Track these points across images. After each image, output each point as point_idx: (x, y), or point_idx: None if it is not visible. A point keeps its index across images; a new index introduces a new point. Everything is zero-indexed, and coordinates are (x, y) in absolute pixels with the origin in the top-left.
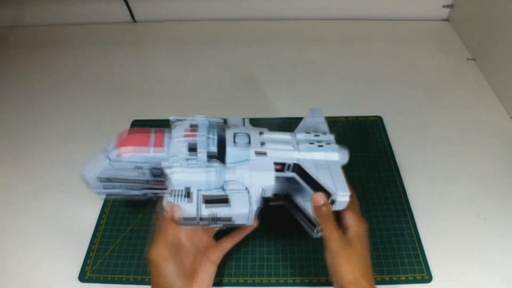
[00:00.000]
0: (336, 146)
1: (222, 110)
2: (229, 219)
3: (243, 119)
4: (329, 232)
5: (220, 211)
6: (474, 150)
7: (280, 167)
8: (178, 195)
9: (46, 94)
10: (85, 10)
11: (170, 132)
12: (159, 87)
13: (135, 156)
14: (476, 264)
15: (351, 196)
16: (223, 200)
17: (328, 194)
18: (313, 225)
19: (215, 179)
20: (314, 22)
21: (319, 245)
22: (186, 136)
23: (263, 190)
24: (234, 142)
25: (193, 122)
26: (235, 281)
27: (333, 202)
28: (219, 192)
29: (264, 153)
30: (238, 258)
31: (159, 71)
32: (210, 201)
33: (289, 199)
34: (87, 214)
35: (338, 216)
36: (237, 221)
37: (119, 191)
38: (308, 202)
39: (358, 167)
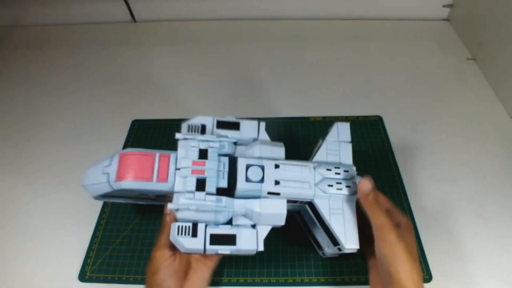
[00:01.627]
0: (355, 187)
1: (222, 110)
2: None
3: (258, 124)
4: (382, 221)
5: (225, 251)
6: (474, 150)
7: (294, 201)
8: (184, 232)
9: (46, 94)
10: (85, 10)
11: (175, 154)
12: (159, 87)
13: (136, 188)
14: (476, 264)
15: (388, 202)
16: (229, 239)
17: (336, 242)
18: (320, 247)
19: (223, 219)
20: (314, 21)
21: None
22: (194, 172)
23: (272, 227)
24: (246, 177)
25: (202, 146)
26: (235, 281)
27: (339, 249)
28: (226, 230)
29: (278, 194)
30: (239, 258)
31: (159, 71)
32: (216, 240)
33: (301, 217)
34: (87, 214)
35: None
36: (242, 253)
37: (121, 201)
38: (318, 229)
39: (358, 167)
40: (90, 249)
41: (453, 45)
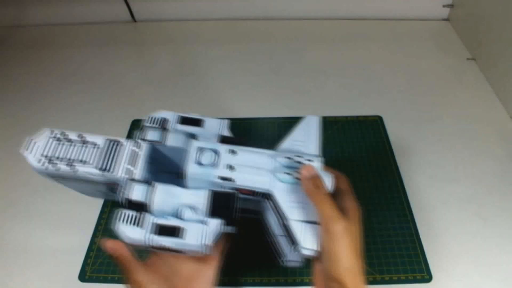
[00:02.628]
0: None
1: (222, 110)
2: (180, 250)
3: (220, 121)
4: (328, 211)
5: (169, 243)
6: (474, 150)
7: (250, 192)
8: (128, 221)
9: (46, 94)
10: (85, 10)
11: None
12: (159, 87)
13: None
14: (476, 264)
15: (344, 183)
16: (176, 232)
17: (293, 241)
18: (278, 253)
19: (171, 210)
20: (314, 21)
21: None
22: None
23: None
24: (198, 161)
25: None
26: (235, 281)
27: (295, 249)
28: (174, 222)
29: (230, 179)
30: (239, 258)
31: (159, 71)
32: (161, 231)
33: (262, 220)
34: (87, 214)
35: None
36: (189, 252)
37: (71, 185)
38: (279, 229)
39: (358, 167)
40: (90, 249)
41: (453, 45)
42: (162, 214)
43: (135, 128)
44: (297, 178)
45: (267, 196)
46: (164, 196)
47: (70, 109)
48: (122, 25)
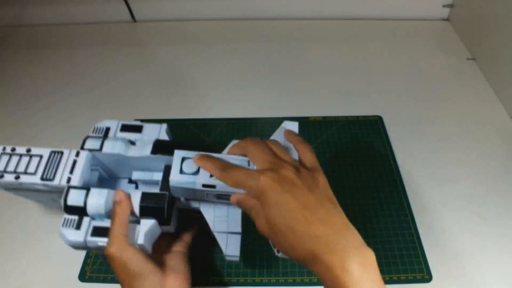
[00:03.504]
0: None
1: (222, 110)
2: None
3: (160, 126)
4: (240, 177)
5: (104, 243)
6: (474, 150)
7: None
8: (70, 225)
9: (46, 94)
10: (85, 10)
11: None
12: (159, 87)
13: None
14: (476, 264)
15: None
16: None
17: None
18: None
19: (105, 210)
20: (314, 21)
21: None
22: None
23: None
24: (181, 169)
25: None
26: (235, 281)
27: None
28: (109, 223)
29: (213, 186)
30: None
31: (159, 71)
32: (98, 232)
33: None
34: None
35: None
36: None
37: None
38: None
39: (358, 167)
40: None
41: (453, 45)
42: (100, 217)
43: None
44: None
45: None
46: (98, 200)
47: (70, 109)
48: (122, 25)
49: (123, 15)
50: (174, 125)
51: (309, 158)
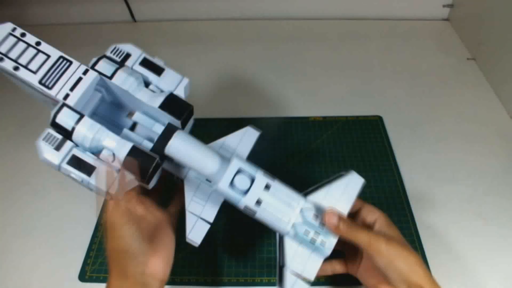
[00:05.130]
0: (327, 254)
1: (222, 110)
2: (86, 186)
3: (181, 78)
4: (364, 238)
5: (77, 177)
6: (474, 150)
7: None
8: (50, 141)
9: None
10: (85, 10)
11: None
12: None
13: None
14: (476, 264)
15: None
16: (88, 168)
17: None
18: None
19: (90, 143)
20: (314, 21)
21: None
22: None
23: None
24: (232, 182)
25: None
26: (235, 281)
27: (281, 273)
28: (91, 159)
29: (253, 211)
30: (239, 258)
31: None
32: (76, 163)
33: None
34: (87, 214)
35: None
36: (95, 190)
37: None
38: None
39: (358, 167)
40: (90, 249)
41: (453, 45)
42: (84, 148)
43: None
44: (312, 241)
45: (279, 235)
46: (88, 131)
47: None
48: (122, 25)
49: (123, 15)
50: None
51: (380, 217)
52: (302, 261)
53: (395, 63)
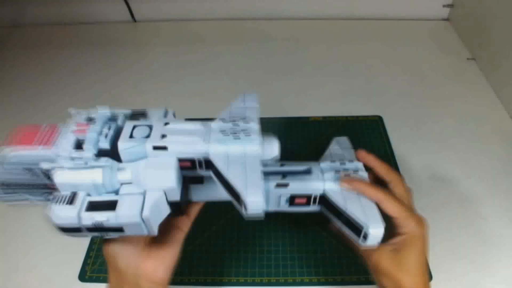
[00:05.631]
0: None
1: (222, 109)
2: (119, 228)
3: (166, 111)
4: (400, 208)
5: (102, 217)
6: (474, 150)
7: (190, 163)
8: (61, 201)
9: (46, 93)
10: (85, 10)
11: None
12: (159, 86)
13: (20, 156)
14: (476, 264)
15: (407, 190)
16: (110, 205)
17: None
18: (358, 230)
19: (103, 180)
20: (314, 21)
21: (319, 244)
22: (76, 131)
23: (165, 193)
24: (131, 135)
25: (92, 115)
26: (235, 280)
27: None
28: (108, 197)
29: (164, 148)
30: (239, 258)
31: (159, 71)
32: (94, 207)
33: (324, 201)
34: None
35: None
36: (130, 231)
37: (20, 198)
38: (349, 202)
39: None
40: (90, 249)
41: (453, 45)
42: (98, 193)
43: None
44: (236, 139)
45: (207, 161)
46: (94, 177)
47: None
48: (122, 25)
49: (123, 15)
50: None
51: (402, 194)
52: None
53: (395, 63)
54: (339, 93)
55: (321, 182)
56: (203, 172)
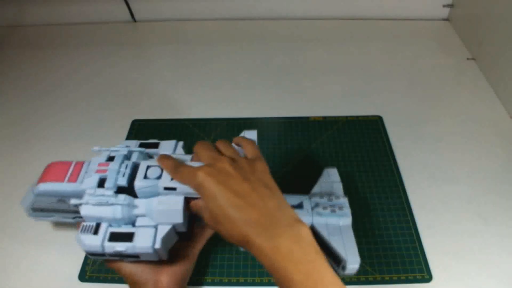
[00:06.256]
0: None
1: (222, 110)
2: (136, 255)
3: (176, 143)
4: (184, 173)
5: (121, 247)
6: (474, 150)
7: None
8: (87, 231)
9: (46, 94)
10: (85, 10)
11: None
12: (159, 87)
13: (50, 190)
14: (476, 264)
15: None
16: (128, 237)
17: (338, 260)
18: (338, 260)
19: (122, 215)
20: (314, 21)
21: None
22: (98, 171)
23: (173, 227)
24: (145, 175)
25: (112, 154)
26: (235, 280)
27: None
28: (127, 229)
29: (174, 189)
30: (238, 258)
31: (159, 71)
32: (115, 237)
33: (312, 230)
34: None
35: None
36: (145, 257)
37: (54, 218)
38: (332, 234)
39: (358, 167)
40: None
41: (453, 45)
42: (117, 223)
43: (135, 128)
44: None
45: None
46: (114, 213)
47: (69, 109)
48: (122, 25)
49: (123, 15)
50: (174, 125)
51: (250, 149)
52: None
53: (395, 63)
54: (339, 93)
55: (310, 216)
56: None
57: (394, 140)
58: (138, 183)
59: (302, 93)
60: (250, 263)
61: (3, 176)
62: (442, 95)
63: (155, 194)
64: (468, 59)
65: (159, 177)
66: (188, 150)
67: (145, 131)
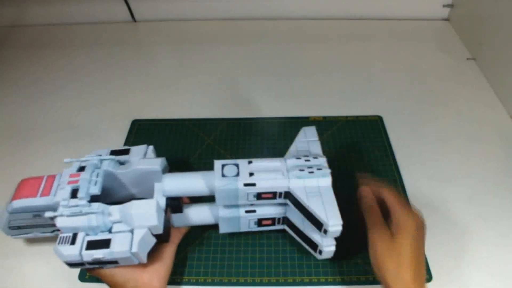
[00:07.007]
0: (328, 171)
1: (222, 110)
2: (115, 261)
3: (146, 148)
4: (369, 224)
5: (99, 254)
6: (474, 150)
7: (272, 195)
8: (65, 242)
9: (46, 94)
10: (85, 10)
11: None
12: (159, 87)
13: (24, 206)
14: (476, 264)
15: (393, 195)
16: (105, 243)
17: (320, 224)
18: (315, 246)
19: (97, 223)
20: (314, 21)
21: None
22: (70, 182)
23: (150, 230)
24: (223, 174)
25: (82, 164)
26: (235, 280)
27: (325, 231)
28: (103, 236)
29: (253, 184)
30: (238, 258)
31: (159, 71)
32: (92, 245)
33: (288, 222)
34: None
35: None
36: (124, 262)
37: (33, 235)
38: (306, 222)
39: (358, 167)
40: None
41: (453, 45)
42: (94, 231)
43: (135, 128)
44: (310, 172)
45: (287, 194)
46: (89, 222)
47: (69, 109)
48: (122, 25)
49: (123, 15)
50: (174, 125)
51: (401, 223)
52: (316, 194)
53: (395, 63)
54: (339, 93)
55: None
56: (281, 200)
57: (394, 140)
58: (218, 182)
59: (302, 93)
60: (250, 264)
61: (3, 176)
62: (442, 95)
63: (235, 192)
64: (468, 59)
65: (237, 175)
66: (188, 150)
67: (145, 131)
